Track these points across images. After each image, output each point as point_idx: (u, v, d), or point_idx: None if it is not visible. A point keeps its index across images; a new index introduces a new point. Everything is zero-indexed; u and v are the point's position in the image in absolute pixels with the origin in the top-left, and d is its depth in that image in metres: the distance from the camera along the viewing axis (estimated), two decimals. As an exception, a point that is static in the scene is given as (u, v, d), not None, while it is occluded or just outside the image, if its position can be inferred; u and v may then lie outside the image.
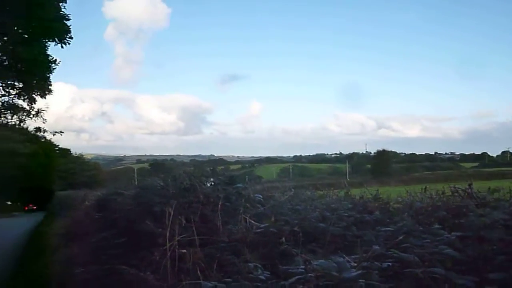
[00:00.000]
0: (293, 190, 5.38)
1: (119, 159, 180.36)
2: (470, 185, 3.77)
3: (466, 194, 4.10)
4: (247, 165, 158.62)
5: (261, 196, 5.05)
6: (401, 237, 2.92)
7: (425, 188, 5.05)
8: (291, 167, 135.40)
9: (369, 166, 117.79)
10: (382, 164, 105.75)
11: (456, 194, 4.60)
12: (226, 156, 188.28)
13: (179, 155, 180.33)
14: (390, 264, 2.61)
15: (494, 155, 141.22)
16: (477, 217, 3.11)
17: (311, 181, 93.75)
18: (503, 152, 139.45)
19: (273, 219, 4.17)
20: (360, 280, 2.11)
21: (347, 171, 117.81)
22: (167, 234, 4.24)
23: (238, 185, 5.10)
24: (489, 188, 4.00)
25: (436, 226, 3.35)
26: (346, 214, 4.43)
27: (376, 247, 2.97)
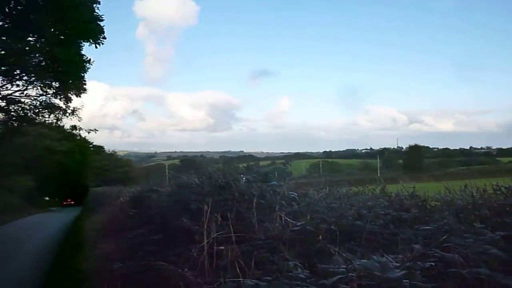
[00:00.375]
0: (327, 187, 5.32)
1: (150, 156, 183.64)
2: (514, 182, 3.65)
3: (510, 191, 3.97)
4: (278, 161, 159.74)
5: (295, 194, 5.04)
6: (444, 237, 2.86)
7: (465, 185, 4.90)
8: (321, 162, 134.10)
9: (400, 161, 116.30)
10: (414, 159, 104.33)
11: (498, 191, 4.43)
12: (255, 152, 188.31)
13: (209, 152, 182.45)
14: (433, 264, 2.57)
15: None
16: (523, 216, 3.02)
17: (341, 176, 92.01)
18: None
19: (308, 217, 4.16)
20: (404, 280, 2.08)
21: (378, 166, 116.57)
22: (204, 231, 4.30)
23: (273, 182, 5.12)
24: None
25: (479, 225, 3.26)
26: (383, 212, 4.36)
27: (417, 246, 2.92)
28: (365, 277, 2.12)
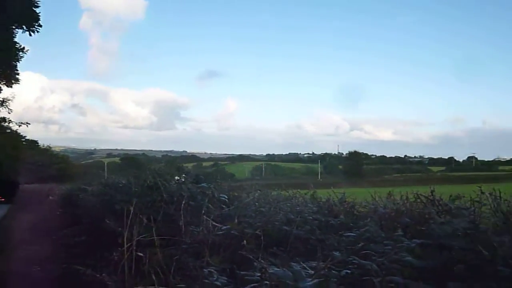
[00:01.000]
0: (259, 190, 5.29)
1: (89, 153, 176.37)
2: (432, 191, 3.76)
3: (429, 200, 4.12)
4: (222, 162, 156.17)
5: (226, 196, 4.95)
6: (364, 244, 2.87)
7: (389, 192, 5.03)
8: (263, 165, 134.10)
9: (341, 167, 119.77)
10: (353, 166, 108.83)
11: (419, 200, 4.59)
12: (199, 153, 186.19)
13: (152, 150, 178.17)
14: (349, 271, 2.56)
15: (461, 160, 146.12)
16: (438, 224, 3.10)
17: (283, 180, 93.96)
18: (469, 157, 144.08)
19: (236, 221, 4.08)
20: (316, 290, 2.05)
21: (319, 171, 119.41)
22: (127, 233, 4.09)
23: (203, 184, 5.00)
24: (451, 196, 4.01)
25: (398, 233, 3.32)
26: (311, 217, 4.38)
27: (337, 253, 2.91)
28: (277, 286, 2.06)
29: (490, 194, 3.44)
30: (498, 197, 3.58)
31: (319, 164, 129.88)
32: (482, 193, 3.59)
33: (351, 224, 4.14)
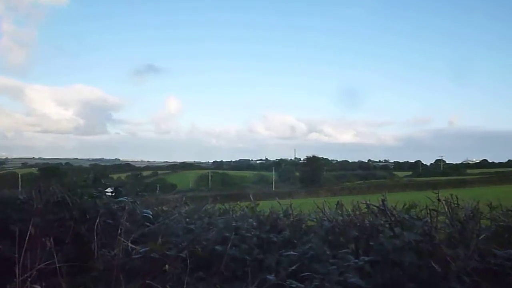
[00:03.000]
0: (187, 204, 5.14)
1: (0, 162, 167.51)
2: (383, 200, 3.76)
3: (380, 210, 4.11)
4: (162, 171, 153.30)
5: (150, 212, 4.76)
6: (298, 264, 2.80)
7: (338, 202, 5.03)
8: (210, 174, 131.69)
9: (298, 174, 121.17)
10: (312, 172, 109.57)
11: (370, 210, 4.60)
12: (134, 161, 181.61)
13: (77, 159, 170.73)
14: (283, 298, 2.48)
15: (428, 164, 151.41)
16: (387, 238, 3.09)
17: (234, 190, 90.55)
18: (437, 161, 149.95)
19: (160, 241, 3.91)
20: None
21: (273, 179, 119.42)
22: (22, 260, 3.81)
23: (122, 198, 4.76)
24: (404, 205, 4.04)
25: (345, 250, 3.29)
26: (250, 234, 4.28)
27: (272, 276, 2.83)
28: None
29: (446, 201, 3.48)
30: (455, 204, 3.64)
31: (273, 171, 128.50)
32: (439, 200, 3.63)
33: (295, 241, 4.08)
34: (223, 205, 5.11)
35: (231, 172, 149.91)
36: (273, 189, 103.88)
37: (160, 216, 4.84)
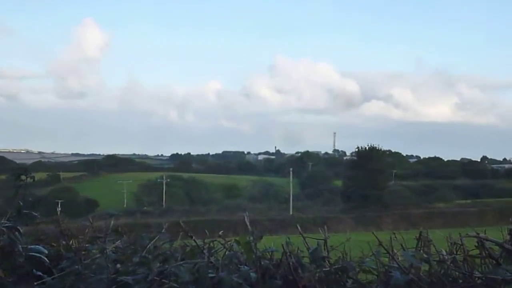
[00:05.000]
0: (123, 235, 3.16)
1: None
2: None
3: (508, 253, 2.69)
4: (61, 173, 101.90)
5: (45, 251, 2.80)
6: None
7: (420, 234, 3.19)
8: (165, 180, 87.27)
9: (339, 182, 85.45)
10: (368, 180, 70.83)
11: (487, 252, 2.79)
12: (14, 152, 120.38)
13: None
14: None
15: None
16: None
17: (212, 212, 66.50)
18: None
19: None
20: None
21: (291, 193, 78.04)
22: None
23: None
24: None
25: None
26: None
27: None
28: None
29: None
30: None
31: (290, 176, 79.26)
32: None
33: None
34: (192, 238, 3.02)
35: (207, 177, 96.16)
36: (291, 211, 69.63)
37: (64, 258, 2.94)
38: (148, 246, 2.93)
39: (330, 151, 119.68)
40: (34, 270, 2.75)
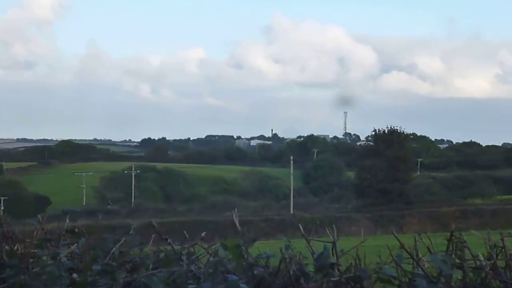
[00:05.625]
0: (81, 238, 2.77)
1: None
2: None
3: None
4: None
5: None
6: None
7: (451, 235, 2.86)
8: (135, 172, 75.43)
9: (352, 173, 74.88)
10: (387, 170, 61.65)
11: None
12: None
13: None
14: None
15: None
16: None
17: (193, 212, 58.98)
18: None
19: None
20: None
21: (291, 187, 68.14)
22: None
23: None
24: None
25: None
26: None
27: None
28: None
29: None
30: None
31: (291, 166, 68.09)
32: None
33: None
34: (168, 242, 2.60)
35: (187, 168, 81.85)
36: (292, 210, 60.73)
37: (7, 266, 2.62)
38: (112, 251, 2.56)
39: (340, 135, 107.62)
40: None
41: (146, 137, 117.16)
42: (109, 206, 64.80)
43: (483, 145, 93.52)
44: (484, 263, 2.48)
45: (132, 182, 71.21)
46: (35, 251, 2.62)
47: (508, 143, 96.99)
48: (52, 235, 2.68)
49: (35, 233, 2.74)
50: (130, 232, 2.70)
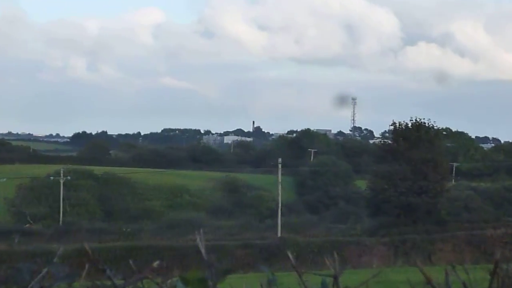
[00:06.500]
0: None
1: None
2: None
3: None
4: None
5: None
6: None
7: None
8: (63, 178, 56.96)
9: (363, 186, 58.64)
10: (411, 179, 47.16)
11: None
12: None
13: None
14: None
15: None
16: None
17: (142, 235, 47.53)
18: None
19: None
20: None
21: (279, 199, 51.46)
22: None
23: None
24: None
25: None
26: None
27: None
28: None
29: None
30: None
31: (279, 172, 50.90)
32: None
33: None
34: (107, 274, 2.00)
35: (136, 174, 61.80)
36: (280, 232, 47.05)
37: None
38: (29, 287, 1.92)
39: (347, 130, 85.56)
40: None
41: (80, 131, 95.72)
42: (27, 225, 52.47)
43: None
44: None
45: (60, 192, 55.07)
46: None
47: None
48: None
49: None
50: (55, 261, 2.05)
